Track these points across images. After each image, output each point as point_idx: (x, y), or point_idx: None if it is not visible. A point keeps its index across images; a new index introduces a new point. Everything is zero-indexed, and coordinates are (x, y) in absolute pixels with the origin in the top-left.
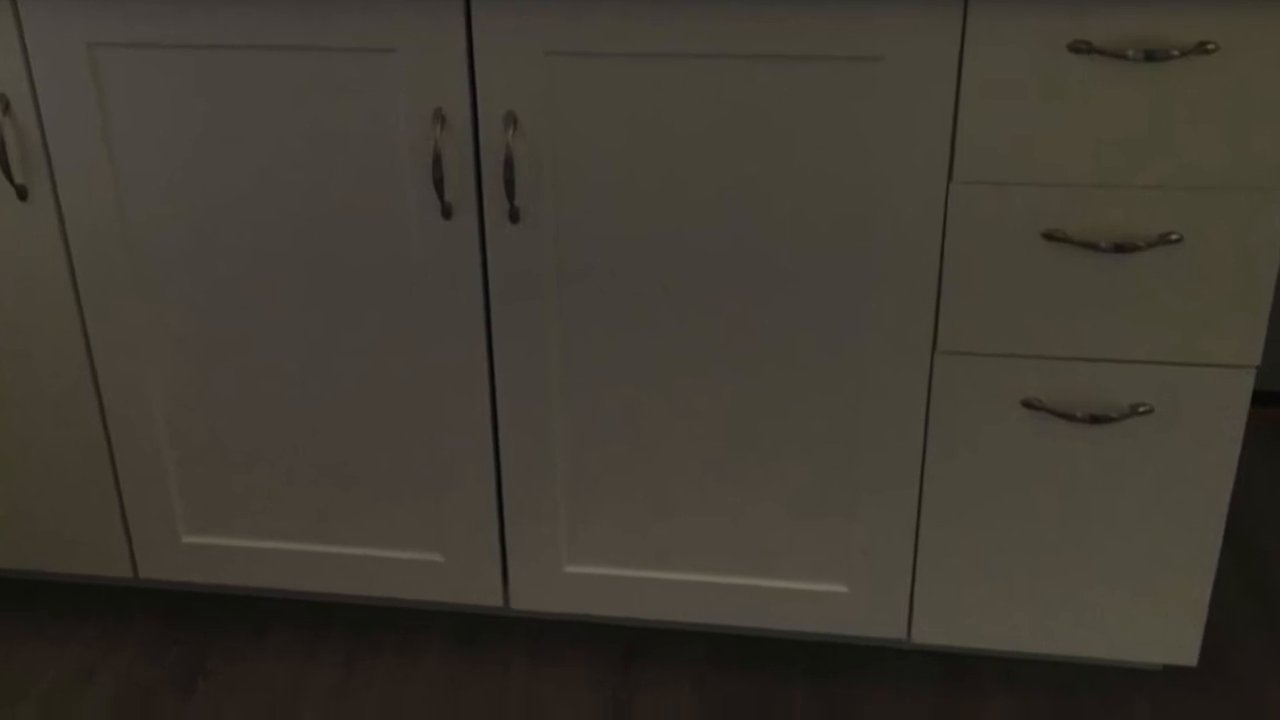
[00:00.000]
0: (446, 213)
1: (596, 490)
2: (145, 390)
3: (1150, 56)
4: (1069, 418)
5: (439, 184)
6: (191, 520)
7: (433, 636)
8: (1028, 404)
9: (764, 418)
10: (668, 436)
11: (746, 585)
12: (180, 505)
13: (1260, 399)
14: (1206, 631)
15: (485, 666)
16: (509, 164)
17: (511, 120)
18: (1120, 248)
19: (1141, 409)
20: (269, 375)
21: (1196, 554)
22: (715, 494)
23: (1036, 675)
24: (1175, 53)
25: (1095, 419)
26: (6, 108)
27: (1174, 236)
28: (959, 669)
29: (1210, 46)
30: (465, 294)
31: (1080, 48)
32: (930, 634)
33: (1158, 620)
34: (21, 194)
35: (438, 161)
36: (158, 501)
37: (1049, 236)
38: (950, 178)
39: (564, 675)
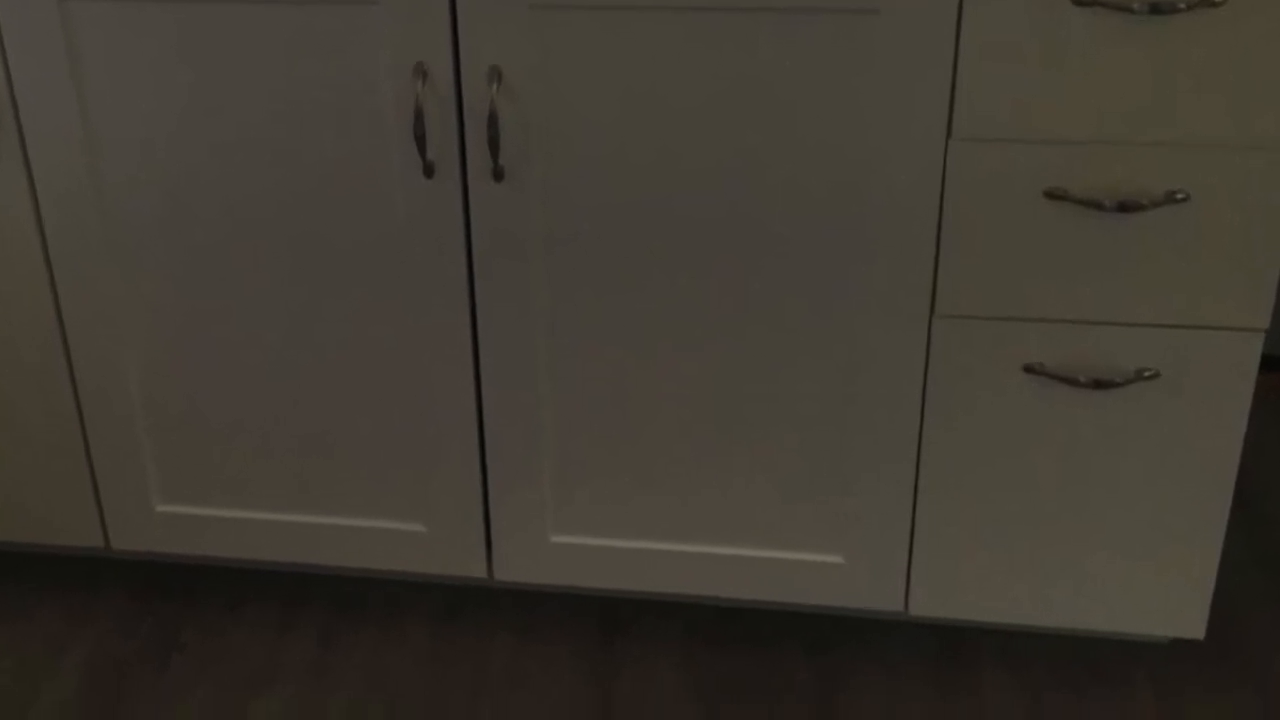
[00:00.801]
0: (428, 171)
1: (583, 459)
2: (119, 357)
3: (1156, 10)
4: (1072, 383)
5: (421, 141)
6: (165, 489)
7: (415, 610)
8: (1029, 369)
9: (756, 385)
10: (657, 405)
11: (738, 556)
12: (154, 474)
13: (1269, 364)
14: (1214, 603)
15: (469, 641)
16: (493, 121)
17: (496, 75)
18: (1125, 207)
19: (1146, 373)
20: (247, 342)
21: (1203, 523)
22: (706, 462)
23: (1037, 649)
24: (1182, 5)
25: (1099, 384)
26: None
27: (1180, 196)
28: (956, 642)
29: (1217, 0)
30: (448, 256)
31: (1084, 0)
32: (928, 605)
33: (1163, 591)
34: None
35: (419, 118)
36: (130, 470)
37: (1051, 195)
38: (949, 135)
39: (549, 650)
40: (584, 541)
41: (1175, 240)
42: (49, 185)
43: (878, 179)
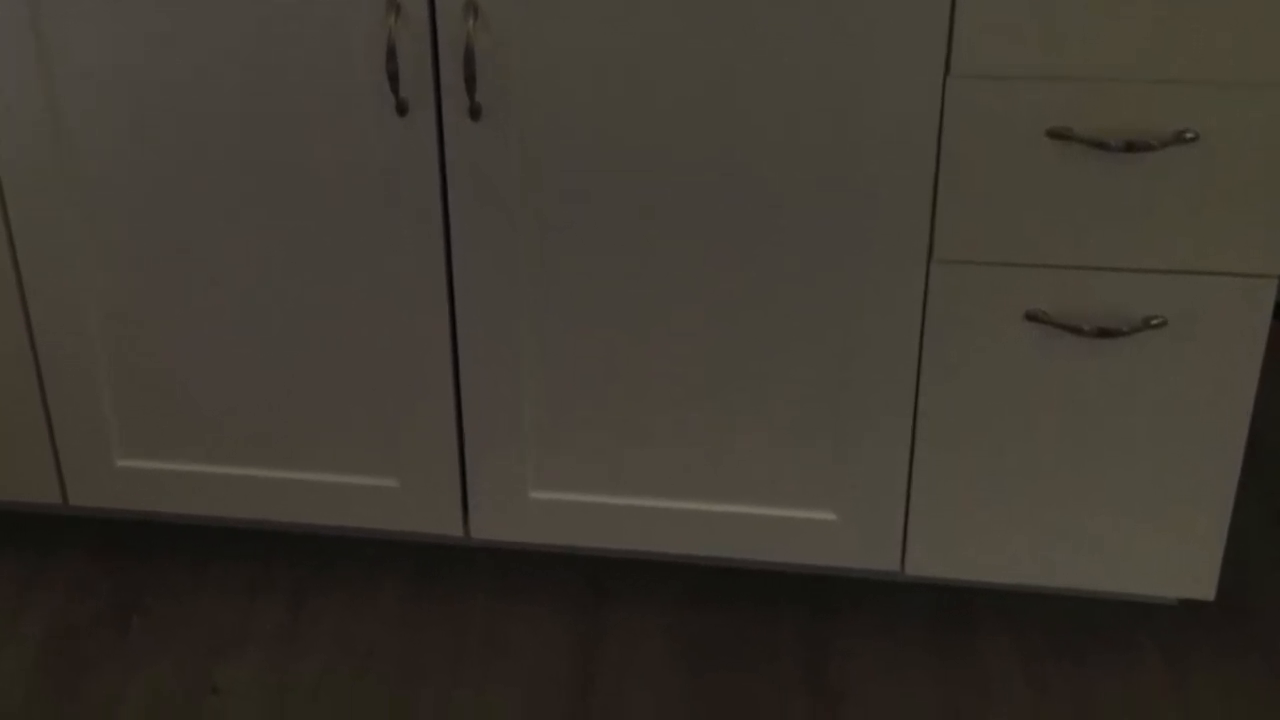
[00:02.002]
0: (402, 109)
1: (566, 412)
2: (77, 303)
3: None
4: (1075, 331)
5: (394, 78)
6: (126, 443)
7: (388, 571)
8: (1031, 317)
9: (748, 334)
10: (644, 357)
11: (727, 513)
12: (114, 426)
13: None
14: (1224, 563)
15: (445, 603)
16: (469, 57)
17: (472, 9)
18: (1132, 147)
19: (1154, 321)
20: (212, 288)
21: (1214, 479)
22: (694, 416)
23: (1038, 610)
24: None
25: (1104, 333)
26: None
27: (1190, 135)
28: (955, 604)
29: None
30: (423, 199)
31: None
32: (925, 565)
33: (1170, 551)
34: None
35: (392, 54)
36: (89, 422)
37: (1054, 135)
38: (947, 72)
39: (530, 612)
40: (566, 498)
41: (1184, 182)
42: (3, 120)
43: (872, 118)
